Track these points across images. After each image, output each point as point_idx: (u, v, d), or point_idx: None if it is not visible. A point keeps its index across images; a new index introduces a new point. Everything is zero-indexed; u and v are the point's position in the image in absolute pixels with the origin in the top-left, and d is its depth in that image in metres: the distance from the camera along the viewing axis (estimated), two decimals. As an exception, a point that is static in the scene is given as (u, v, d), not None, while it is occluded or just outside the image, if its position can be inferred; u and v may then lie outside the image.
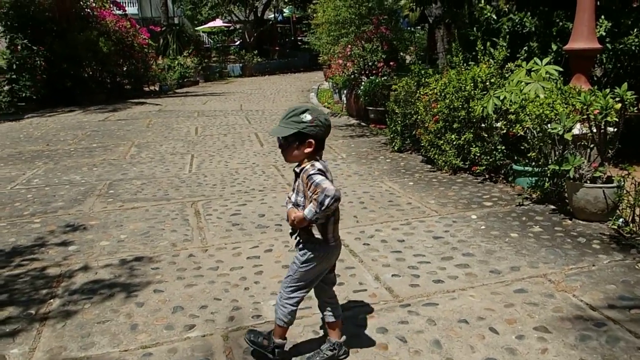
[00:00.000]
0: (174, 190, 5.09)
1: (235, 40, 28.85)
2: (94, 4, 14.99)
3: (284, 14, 31.65)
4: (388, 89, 8.30)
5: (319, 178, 2.05)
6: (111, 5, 16.39)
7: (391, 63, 9.40)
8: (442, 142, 5.36)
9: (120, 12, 16.47)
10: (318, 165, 2.12)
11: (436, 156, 5.42)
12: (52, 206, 4.71)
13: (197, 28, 28.05)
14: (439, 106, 5.33)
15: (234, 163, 6.19)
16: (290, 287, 2.28)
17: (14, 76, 12.33)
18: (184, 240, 3.77)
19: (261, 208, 4.44)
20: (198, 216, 4.30)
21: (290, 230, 2.27)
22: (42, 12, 13.44)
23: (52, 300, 2.93)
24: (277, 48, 26.67)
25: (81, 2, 14.31)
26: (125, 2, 22.09)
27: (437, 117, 5.37)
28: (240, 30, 25.95)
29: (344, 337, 2.34)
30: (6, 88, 11.10)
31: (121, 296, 2.96)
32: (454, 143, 5.24)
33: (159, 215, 4.36)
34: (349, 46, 9.21)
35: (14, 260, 3.52)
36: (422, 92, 5.69)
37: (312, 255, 2.21)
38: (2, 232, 4.06)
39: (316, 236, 2.19)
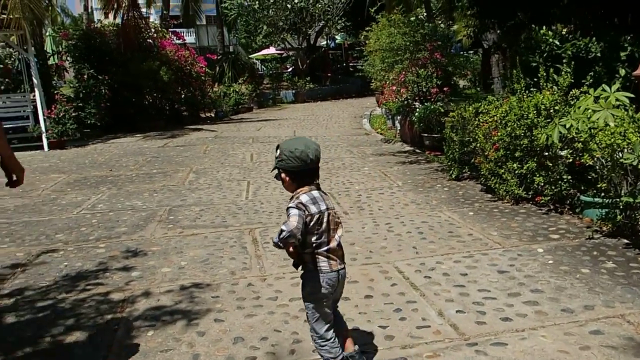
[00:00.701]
0: (232, 217, 5.15)
1: (288, 67, 29.41)
2: (155, 35, 15.64)
3: (336, 41, 32.05)
4: (444, 115, 8.21)
5: (292, 212, 2.16)
6: (171, 36, 17.06)
7: (445, 89, 9.31)
8: (503, 170, 5.21)
9: (179, 41, 17.10)
10: (302, 198, 2.21)
11: (497, 185, 5.27)
12: (115, 231, 4.84)
13: (250, 56, 28.80)
14: (499, 134, 5.20)
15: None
16: (314, 324, 2.32)
17: (81, 104, 12.94)
18: (243, 268, 3.78)
19: (318, 237, 4.41)
20: (256, 244, 4.31)
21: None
22: (107, 44, 14.11)
23: (116, 327, 2.98)
24: (329, 74, 26.96)
25: (144, 33, 14.94)
26: (184, 32, 22.95)
27: (498, 145, 5.24)
28: (293, 58, 26.41)
29: (356, 348, 2.39)
30: (73, 115, 11.64)
31: (182, 323, 2.98)
32: (516, 172, 5.08)
33: (218, 242, 4.40)
34: (403, 72, 9.19)
35: (80, 285, 3.61)
36: (481, 120, 5.57)
37: (308, 286, 2.31)
38: (69, 257, 4.19)
39: (309, 266, 2.29)
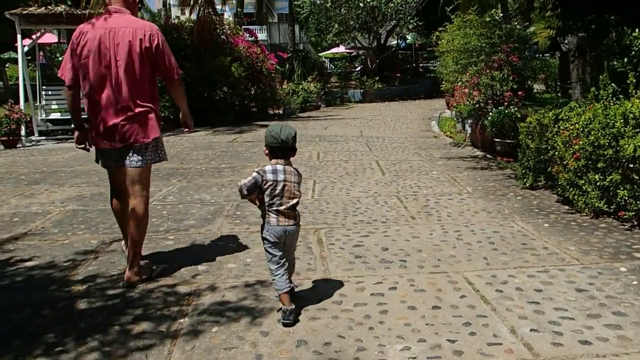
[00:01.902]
0: (297, 215, 5.13)
1: (356, 66, 29.30)
2: (229, 32, 15.97)
3: (407, 41, 31.64)
4: (519, 121, 7.89)
5: (253, 174, 3.00)
6: (244, 33, 17.37)
7: (519, 93, 8.95)
8: (583, 182, 4.92)
9: (251, 38, 17.37)
10: (266, 167, 3.03)
11: (575, 197, 4.98)
12: (184, 224, 4.94)
13: (320, 54, 28.93)
14: (581, 142, 4.92)
15: (355, 191, 6.15)
16: (268, 263, 3.10)
17: (156, 97, 13.38)
18: (307, 269, 3.75)
19: (384, 241, 4.32)
20: (321, 245, 4.27)
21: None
22: (183, 39, 14.54)
23: (182, 320, 3.01)
24: (398, 75, 26.66)
25: (218, 30, 15.28)
26: (256, 29, 23.33)
27: (579, 154, 4.95)
28: (362, 57, 26.28)
29: (292, 306, 2.92)
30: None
31: (246, 321, 2.98)
32: (598, 184, 4.78)
33: (283, 240, 4.39)
34: (477, 75, 8.89)
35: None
36: (561, 127, 5.29)
37: (262, 233, 3.06)
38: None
39: (264, 218, 3.06)
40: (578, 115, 5.27)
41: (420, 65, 33.07)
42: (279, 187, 2.99)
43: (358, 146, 9.84)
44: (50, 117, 12.01)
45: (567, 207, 5.21)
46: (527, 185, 6.01)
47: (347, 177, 7.01)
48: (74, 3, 12.36)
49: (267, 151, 3.09)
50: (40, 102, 11.88)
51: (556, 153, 5.34)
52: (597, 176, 4.79)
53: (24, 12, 11.03)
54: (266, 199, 2.99)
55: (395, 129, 13.12)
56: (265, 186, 2.97)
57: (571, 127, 5.16)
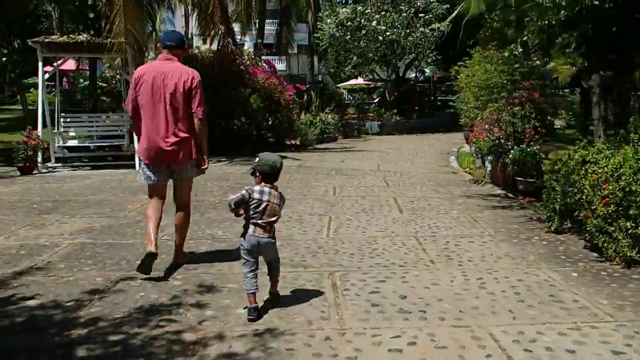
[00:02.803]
0: (311, 256, 4.93)
1: (374, 97, 29.30)
2: (248, 62, 16.04)
3: (425, 74, 31.69)
4: (544, 159, 7.69)
5: (242, 191, 3.55)
6: (263, 64, 17.46)
7: (541, 130, 8.75)
8: (613, 228, 4.66)
9: (270, 69, 17.44)
10: (255, 187, 3.60)
11: (605, 244, 4.72)
12: (193, 263, 4.76)
13: (338, 85, 29.02)
14: (610, 187, 4.68)
15: (372, 230, 5.94)
16: (242, 265, 3.64)
17: (173, 126, 13.40)
18: (321, 318, 3.53)
19: (402, 288, 4.09)
20: (335, 290, 4.06)
21: None
22: (203, 69, 14.60)
23: (185, 374, 2.81)
24: (416, 108, 26.58)
25: (237, 61, 15.35)
26: (275, 60, 23.53)
27: (608, 199, 4.71)
28: (380, 89, 26.30)
29: (272, 295, 3.77)
30: (165, 137, 12.09)
31: (253, 378, 2.76)
32: (629, 232, 4.52)
33: (296, 283, 4.19)
34: (498, 111, 8.70)
35: (153, 320, 3.50)
36: (590, 170, 5.06)
37: (240, 241, 3.67)
38: (146, 287, 4.13)
39: (244, 227, 3.65)
40: (606, 158, 5.05)
41: (439, 98, 33.03)
42: (262, 206, 3.57)
43: (375, 181, 9.65)
44: (67, 144, 12.04)
45: (595, 254, 4.94)
46: (553, 229, 5.75)
47: (364, 214, 6.81)
48: (96, 32, 12.52)
49: (259, 177, 3.64)
50: (58, 128, 11.92)
51: (583, 197, 5.10)
52: (628, 223, 4.54)
53: (46, 40, 11.17)
54: (249, 213, 3.58)
55: (413, 163, 12.93)
56: (251, 203, 3.56)
57: (599, 171, 4.93)
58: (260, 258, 3.73)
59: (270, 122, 16.13)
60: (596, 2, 5.43)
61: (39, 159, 11.02)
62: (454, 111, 30.29)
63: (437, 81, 35.46)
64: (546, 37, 21.86)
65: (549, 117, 9.58)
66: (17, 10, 13.13)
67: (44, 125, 11.79)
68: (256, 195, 3.55)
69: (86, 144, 12.39)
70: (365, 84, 36.06)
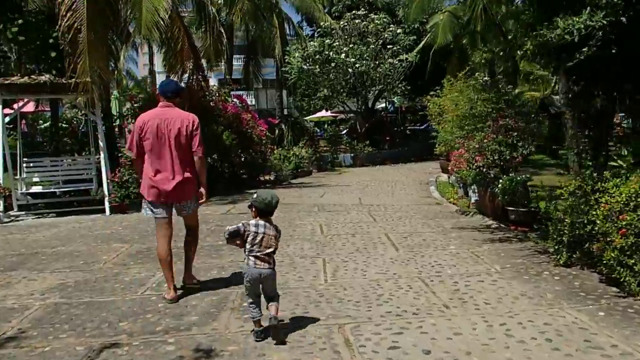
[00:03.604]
0: (314, 306, 4.50)
1: (341, 130, 29.13)
2: (218, 98, 15.66)
3: (395, 104, 31.90)
4: (535, 187, 7.50)
5: (238, 224, 3.84)
6: (233, 99, 17.11)
7: (519, 157, 8.61)
8: (633, 261, 4.40)
9: (242, 104, 17.09)
10: (251, 221, 3.85)
11: (627, 278, 4.45)
12: (185, 320, 4.27)
13: (305, 118, 28.84)
14: (628, 218, 4.43)
15: (372, 272, 5.55)
16: (245, 295, 3.93)
17: (143, 167, 12.84)
18: (342, 384, 3.10)
19: (423, 340, 3.69)
20: (349, 347, 3.63)
21: None
22: (172, 107, 14.15)
23: None
24: (387, 138, 26.56)
25: (207, 97, 14.96)
26: (244, 95, 23.21)
27: (626, 230, 4.46)
28: (351, 121, 26.22)
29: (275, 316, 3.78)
30: (135, 175, 11.49)
31: None
32: (653, 264, 4.26)
33: (304, 341, 3.75)
34: (485, 139, 8.51)
35: (148, 398, 3.01)
36: (602, 200, 4.82)
37: (243, 272, 3.86)
38: (135, 355, 3.62)
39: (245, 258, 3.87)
40: (616, 187, 4.83)
41: (409, 128, 33.24)
42: (258, 238, 3.82)
43: (361, 216, 9.29)
44: (30, 191, 11.33)
45: (615, 289, 4.66)
46: (562, 262, 5.47)
47: (359, 254, 6.42)
48: (58, 72, 11.97)
49: (255, 211, 3.90)
50: (20, 174, 11.22)
51: (596, 228, 4.84)
52: (651, 255, 4.28)
53: (6, 82, 10.57)
54: (247, 246, 3.83)
55: (394, 195, 12.67)
56: (247, 236, 3.82)
57: (612, 200, 4.70)
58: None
59: (243, 159, 15.70)
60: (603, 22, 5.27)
61: (0, 208, 10.30)
62: (425, 140, 30.41)
63: (405, 111, 35.78)
64: (512, 65, 22.17)
65: (529, 145, 9.44)
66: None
67: (5, 170, 11.10)
68: (252, 228, 3.83)
69: (52, 190, 11.69)
70: (333, 116, 36.06)
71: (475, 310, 4.29)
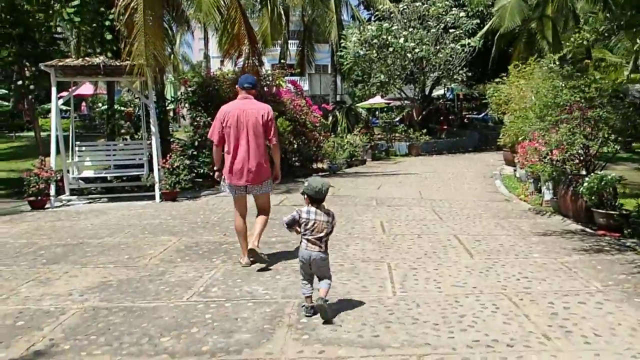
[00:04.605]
0: (384, 328, 3.83)
1: (394, 117, 28.10)
2: (272, 83, 15.12)
3: (454, 91, 30.62)
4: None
5: (294, 212, 4.11)
6: (288, 84, 16.54)
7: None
8: None
9: (296, 90, 16.50)
10: (304, 208, 4.10)
11: None
12: (235, 339, 3.68)
13: (357, 104, 27.99)
14: None
15: (447, 284, 4.83)
16: (300, 275, 4.20)
17: (195, 152, 12.46)
18: None
19: (526, 385, 2.97)
20: (434, 390, 2.95)
21: None
22: (225, 91, 13.71)
23: None
24: (445, 127, 25.43)
25: (262, 82, 14.42)
26: (297, 80, 22.60)
27: None
28: (408, 108, 25.20)
29: (325, 299, 3.94)
30: (187, 162, 11.10)
31: None
32: None
33: (376, 377, 3.09)
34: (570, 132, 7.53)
35: None
36: None
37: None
38: (176, 385, 3.06)
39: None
40: None
41: (467, 116, 31.91)
42: (310, 224, 4.03)
43: (424, 213, 8.52)
44: (82, 175, 11.11)
45: None
46: (679, 282, 4.59)
47: (428, 259, 5.69)
48: (113, 54, 11.68)
49: (307, 198, 4.08)
50: (73, 158, 11.01)
51: None
52: None
53: (60, 63, 10.32)
54: (301, 230, 4.07)
55: (457, 189, 11.79)
56: (301, 221, 4.04)
57: None
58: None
59: (296, 146, 15.13)
60: None
61: (52, 192, 10.10)
62: (484, 130, 29.08)
63: (462, 98, 34.42)
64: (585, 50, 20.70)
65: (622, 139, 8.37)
66: (31, 33, 12.35)
67: (58, 153, 10.91)
68: (304, 215, 4.05)
69: (103, 175, 11.46)
70: (385, 103, 35.01)
71: (585, 344, 3.51)
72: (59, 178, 10.46)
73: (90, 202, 10.45)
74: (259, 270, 5.35)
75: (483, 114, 35.85)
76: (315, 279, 4.12)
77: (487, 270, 5.24)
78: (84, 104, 37.21)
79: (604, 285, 4.72)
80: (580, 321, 3.88)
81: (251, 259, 5.43)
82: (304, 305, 4.10)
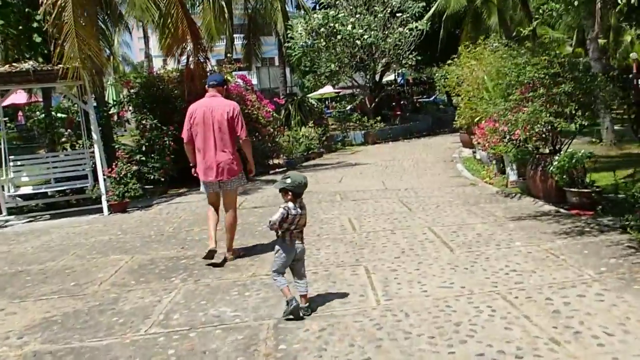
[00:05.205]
0: (375, 348, 3.37)
1: (346, 106, 27.74)
2: (220, 79, 14.43)
3: (405, 76, 30.52)
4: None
5: (280, 210, 3.99)
6: (237, 79, 15.87)
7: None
8: None
9: (246, 85, 15.85)
10: (289, 204, 4.03)
11: None
12: None
13: (307, 95, 27.46)
14: None
15: (432, 286, 4.42)
16: (273, 269, 4.06)
17: (143, 158, 11.68)
18: None
19: (549, 407, 2.58)
20: None
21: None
22: (170, 91, 12.95)
23: None
24: (398, 113, 25.25)
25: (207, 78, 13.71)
26: (245, 75, 21.87)
27: None
28: (361, 97, 24.85)
29: (307, 304, 4.01)
30: (135, 170, 10.31)
31: None
32: None
33: (376, 415, 2.64)
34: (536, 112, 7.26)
35: None
36: None
37: (277, 249, 4.07)
38: None
39: (281, 237, 4.06)
40: None
41: (419, 100, 31.91)
42: (297, 219, 4.05)
43: (392, 205, 8.14)
44: (19, 193, 10.19)
45: None
46: (675, 263, 4.33)
47: (407, 258, 5.29)
48: (44, 58, 10.75)
49: (289, 195, 4.05)
50: (7, 174, 10.08)
51: None
52: None
53: (-16, 71, 9.39)
54: (285, 226, 4.01)
55: (420, 176, 11.49)
56: (288, 218, 4.00)
57: None
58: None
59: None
60: None
61: (-15, 214, 9.21)
62: (436, 113, 29.13)
63: (412, 83, 34.44)
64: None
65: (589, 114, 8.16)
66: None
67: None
68: (293, 212, 4.02)
69: (43, 190, 10.55)
70: (336, 93, 34.62)
71: (599, 347, 3.16)
72: (-8, 197, 9.57)
73: (30, 221, 9.58)
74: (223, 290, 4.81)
75: (433, 97, 36.03)
76: (291, 277, 4.12)
77: (471, 266, 4.87)
78: (20, 113, 35.25)
79: (597, 272, 4.42)
80: (585, 318, 3.54)
81: (211, 257, 5.57)
82: (287, 301, 3.95)
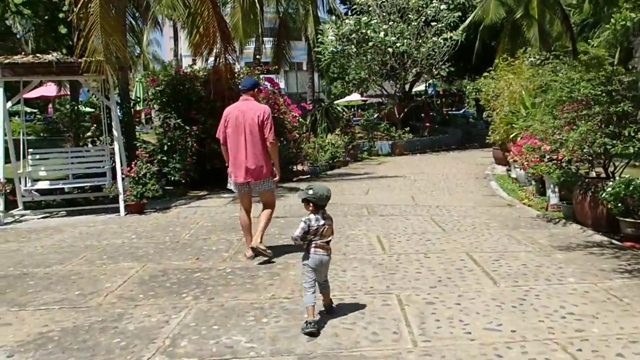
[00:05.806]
0: (415, 405, 2.83)
1: (374, 114, 27.20)
2: (248, 82, 14.01)
3: (436, 87, 29.87)
4: None
5: (301, 224, 3.97)
6: (265, 82, 15.46)
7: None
8: None
9: (273, 88, 15.43)
10: (311, 216, 4.00)
11: None
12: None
13: (334, 102, 27.03)
14: None
15: (477, 327, 3.86)
16: (304, 282, 3.97)
17: (164, 158, 11.30)
18: None
19: None
20: None
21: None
22: (196, 90, 12.58)
23: None
24: (427, 124, 24.60)
25: (236, 79, 13.31)
26: (273, 78, 21.49)
27: None
28: (390, 106, 24.27)
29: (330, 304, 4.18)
30: (155, 171, 9.90)
31: None
32: None
33: None
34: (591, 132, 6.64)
35: None
36: None
37: (305, 260, 4.00)
38: None
39: (307, 249, 4.01)
40: None
41: (449, 112, 31.21)
42: (320, 230, 3.99)
43: (424, 224, 7.57)
44: (36, 187, 9.86)
45: None
46: None
47: (445, 289, 4.72)
48: (70, 51, 10.46)
49: (311, 207, 4.03)
50: (24, 168, 9.77)
51: None
52: None
53: (6, 60, 9.07)
54: (309, 237, 3.98)
55: (452, 193, 10.88)
56: (311, 230, 3.97)
57: None
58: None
59: (275, 148, 14.04)
60: None
61: (1, 207, 8.88)
62: (467, 126, 28.40)
63: (442, 95, 33.78)
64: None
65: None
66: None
67: (8, 162, 9.69)
68: (314, 223, 3.97)
69: (60, 186, 10.22)
70: (362, 100, 34.08)
71: None
72: (8, 191, 9.26)
73: (46, 217, 9.25)
74: (239, 314, 4.31)
75: (462, 110, 35.30)
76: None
77: (520, 304, 4.29)
78: (50, 106, 35.47)
79: (674, 325, 3.80)
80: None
81: (255, 255, 5.72)
82: (305, 321, 3.83)
